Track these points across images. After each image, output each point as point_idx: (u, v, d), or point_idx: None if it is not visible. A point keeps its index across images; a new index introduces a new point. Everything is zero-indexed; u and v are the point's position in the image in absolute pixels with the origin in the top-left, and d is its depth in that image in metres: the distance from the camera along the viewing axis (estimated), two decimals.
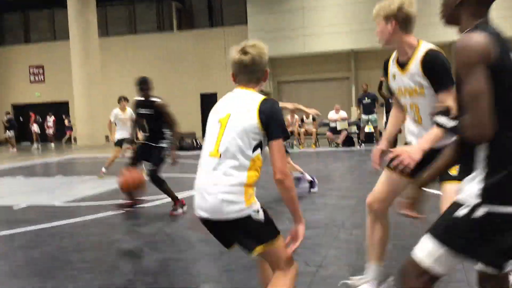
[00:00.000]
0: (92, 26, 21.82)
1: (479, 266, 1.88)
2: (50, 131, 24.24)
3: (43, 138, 24.58)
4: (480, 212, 1.78)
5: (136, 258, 4.41)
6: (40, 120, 24.46)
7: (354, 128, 17.72)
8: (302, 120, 16.80)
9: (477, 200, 1.80)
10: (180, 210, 6.18)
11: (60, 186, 9.61)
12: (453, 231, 1.85)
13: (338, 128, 15.72)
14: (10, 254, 4.80)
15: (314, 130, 16.49)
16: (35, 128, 23.79)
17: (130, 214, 6.14)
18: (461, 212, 1.83)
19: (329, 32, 23.09)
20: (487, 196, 1.78)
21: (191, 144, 17.75)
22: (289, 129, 16.36)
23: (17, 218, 6.58)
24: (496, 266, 1.82)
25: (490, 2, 1.91)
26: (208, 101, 26.43)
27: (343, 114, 16.01)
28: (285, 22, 23.29)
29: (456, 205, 1.87)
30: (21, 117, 27.91)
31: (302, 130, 16.39)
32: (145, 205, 7.04)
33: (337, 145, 15.58)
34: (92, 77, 21.76)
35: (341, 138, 15.67)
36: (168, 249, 4.65)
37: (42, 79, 28.35)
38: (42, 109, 28.16)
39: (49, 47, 28.03)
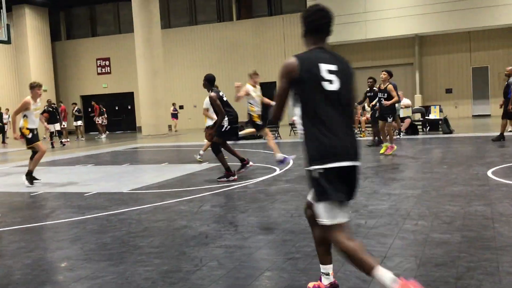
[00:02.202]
0: (155, 18, 22.36)
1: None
2: (103, 121, 24.89)
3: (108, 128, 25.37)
4: (311, 171, 2.80)
5: (202, 245, 4.51)
6: (104, 111, 25.20)
7: (418, 116, 17.23)
8: (363, 108, 16.49)
9: (308, 165, 2.82)
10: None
11: (128, 174, 9.98)
12: (311, 189, 2.88)
13: (402, 115, 15.30)
14: (83, 238, 5.05)
15: None
16: (98, 119, 24.67)
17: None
18: (307, 174, 2.88)
19: (391, 16, 22.46)
20: (309, 161, 2.81)
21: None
22: None
23: (88, 204, 6.91)
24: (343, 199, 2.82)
25: (318, 41, 2.94)
26: (266, 91, 26.48)
27: (406, 101, 15.56)
28: (345, 8, 22.86)
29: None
30: (89, 108, 29.12)
31: (363, 118, 16.10)
32: (208, 193, 7.19)
33: (400, 133, 15.19)
34: (155, 68, 22.34)
35: (404, 125, 15.26)
36: (232, 236, 4.73)
37: (109, 70, 29.44)
38: (109, 99, 29.30)
39: (114, 40, 29.04)
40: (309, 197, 2.99)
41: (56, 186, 8.76)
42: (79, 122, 23.65)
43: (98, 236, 5.05)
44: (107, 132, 25.10)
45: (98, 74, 29.65)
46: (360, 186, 6.98)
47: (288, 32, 25.74)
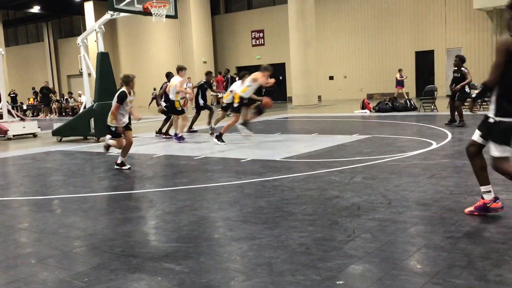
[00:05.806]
0: None
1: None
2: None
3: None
4: (496, 121, 3.91)
5: (354, 216, 4.50)
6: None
7: None
8: None
9: (495, 116, 3.92)
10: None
11: (279, 143, 10.29)
12: (486, 130, 4.04)
13: None
14: (241, 201, 5.36)
15: None
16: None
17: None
18: (490, 120, 3.96)
19: None
20: (497, 113, 3.90)
21: (404, 105, 17.14)
22: None
23: (245, 169, 7.30)
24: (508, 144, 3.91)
25: None
26: (423, 59, 25.03)
27: None
28: None
29: (487, 117, 3.99)
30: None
31: None
32: (359, 164, 7.10)
33: None
34: (308, 38, 22.39)
35: None
36: (386, 210, 4.64)
37: (262, 42, 30.30)
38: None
39: (269, 12, 29.69)
40: (475, 137, 4.12)
41: (216, 151, 9.38)
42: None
43: (254, 200, 5.33)
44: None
45: (253, 46, 30.68)
46: None
47: None
